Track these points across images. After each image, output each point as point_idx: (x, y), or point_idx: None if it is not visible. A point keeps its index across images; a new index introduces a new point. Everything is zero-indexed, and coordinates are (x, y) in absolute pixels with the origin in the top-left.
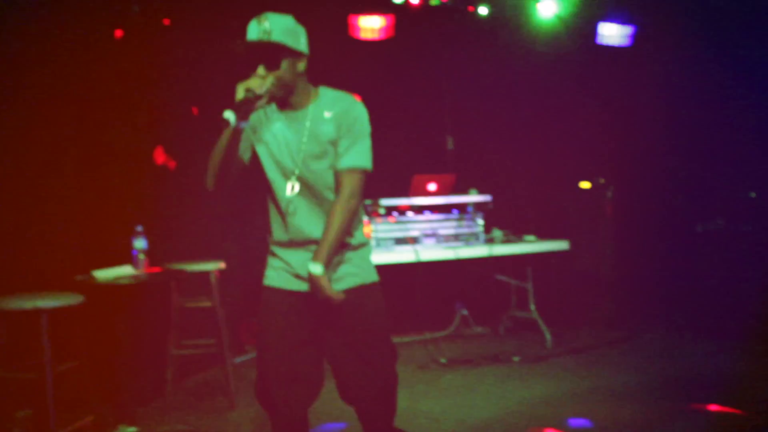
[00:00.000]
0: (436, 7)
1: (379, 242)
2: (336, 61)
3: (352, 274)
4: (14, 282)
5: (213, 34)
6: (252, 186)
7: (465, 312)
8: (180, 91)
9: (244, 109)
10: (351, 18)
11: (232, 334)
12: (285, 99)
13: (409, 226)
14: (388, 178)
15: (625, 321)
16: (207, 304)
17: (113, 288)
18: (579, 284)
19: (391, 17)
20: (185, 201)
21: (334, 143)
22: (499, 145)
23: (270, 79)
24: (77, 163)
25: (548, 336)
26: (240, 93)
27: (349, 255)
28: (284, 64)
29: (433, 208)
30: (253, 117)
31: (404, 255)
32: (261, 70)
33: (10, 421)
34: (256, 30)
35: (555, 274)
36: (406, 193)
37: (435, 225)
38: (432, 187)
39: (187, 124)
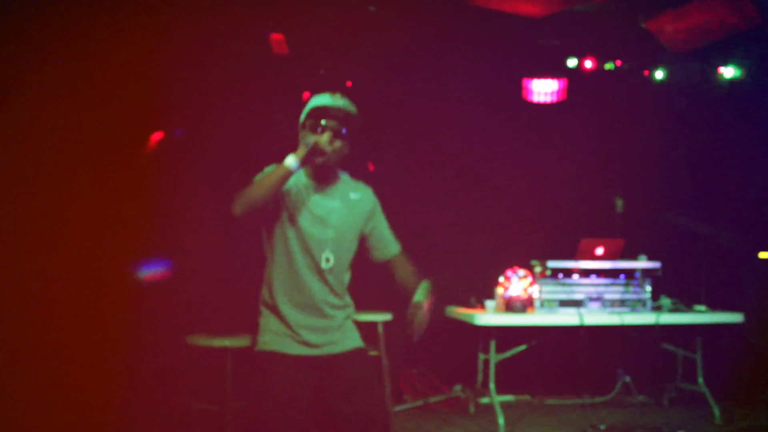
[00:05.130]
0: (610, 71)
1: (543, 303)
2: (508, 123)
3: (349, 338)
4: (201, 322)
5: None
6: (422, 243)
7: (627, 379)
8: (356, 148)
9: (306, 158)
10: (524, 81)
11: (393, 383)
12: (325, 173)
13: (575, 288)
14: (554, 240)
15: None
16: (373, 353)
17: None
18: (754, 360)
19: (564, 81)
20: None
21: (366, 224)
22: (671, 211)
23: (337, 144)
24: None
25: (717, 412)
26: (309, 140)
27: (348, 322)
28: (344, 141)
29: (600, 273)
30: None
31: (568, 318)
32: (327, 136)
33: None
34: (331, 99)
35: (727, 347)
36: (572, 256)
37: (601, 289)
38: (599, 251)
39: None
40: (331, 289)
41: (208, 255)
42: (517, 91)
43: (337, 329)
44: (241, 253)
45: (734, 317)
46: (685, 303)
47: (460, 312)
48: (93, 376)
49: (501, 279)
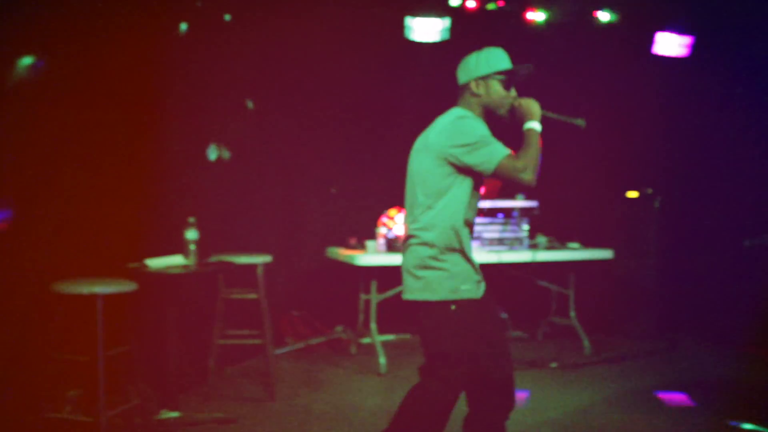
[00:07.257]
0: (492, 11)
1: None
2: (390, 62)
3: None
4: (70, 267)
5: (271, 31)
6: (301, 184)
7: (504, 316)
8: (236, 87)
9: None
10: (407, 20)
11: (274, 326)
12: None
13: None
14: None
15: (666, 331)
16: (252, 296)
17: (164, 277)
18: (621, 293)
19: (447, 20)
20: (236, 195)
21: None
22: (547, 152)
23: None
24: (133, 155)
25: (587, 343)
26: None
27: None
28: None
29: (479, 212)
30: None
31: None
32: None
33: (61, 400)
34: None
35: (597, 282)
36: None
37: (479, 228)
38: None
39: (242, 120)
40: None
41: (72, 193)
42: (399, 30)
43: None
44: (108, 189)
45: (605, 253)
46: (559, 241)
47: (341, 253)
48: None
49: (383, 219)
